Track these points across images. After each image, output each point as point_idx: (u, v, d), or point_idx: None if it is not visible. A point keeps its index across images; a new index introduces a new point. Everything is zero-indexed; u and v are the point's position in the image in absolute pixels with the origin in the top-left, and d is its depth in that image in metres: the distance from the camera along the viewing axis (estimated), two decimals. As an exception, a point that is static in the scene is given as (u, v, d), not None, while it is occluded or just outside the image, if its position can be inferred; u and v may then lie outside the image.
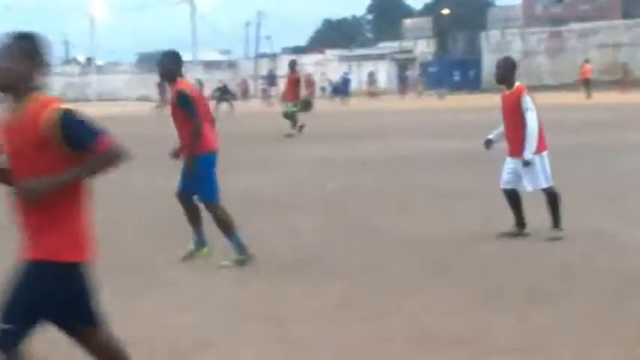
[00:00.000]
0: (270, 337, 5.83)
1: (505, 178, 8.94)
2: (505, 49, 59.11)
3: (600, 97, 43.15)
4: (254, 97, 67.99)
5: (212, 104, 21.26)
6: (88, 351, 4.08)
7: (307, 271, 7.77)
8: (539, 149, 8.72)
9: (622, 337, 5.61)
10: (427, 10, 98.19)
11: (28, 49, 3.82)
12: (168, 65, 8.07)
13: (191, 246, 8.28)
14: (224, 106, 39.75)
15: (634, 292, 6.74)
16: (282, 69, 58.55)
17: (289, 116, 24.60)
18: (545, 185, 8.80)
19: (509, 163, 8.91)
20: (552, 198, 8.82)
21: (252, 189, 13.20)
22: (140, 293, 7.07)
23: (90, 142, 3.71)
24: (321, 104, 41.94)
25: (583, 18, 71.21)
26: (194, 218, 8.24)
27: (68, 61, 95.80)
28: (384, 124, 28.77)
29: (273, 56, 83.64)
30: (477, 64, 70.28)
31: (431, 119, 31.76)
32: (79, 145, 3.72)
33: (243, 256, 7.96)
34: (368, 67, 71.71)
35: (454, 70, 71.58)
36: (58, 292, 3.81)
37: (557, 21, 73.59)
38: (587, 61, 49.64)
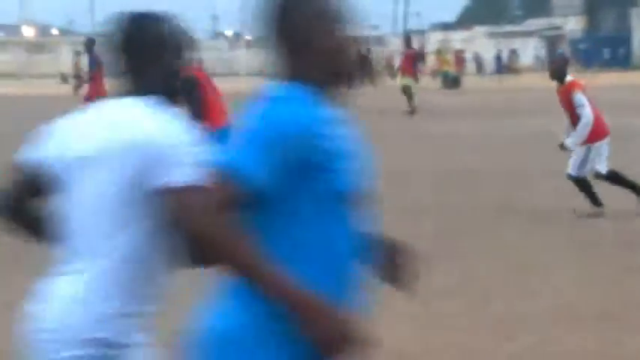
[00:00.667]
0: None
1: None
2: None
3: None
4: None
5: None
6: None
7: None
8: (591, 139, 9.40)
9: None
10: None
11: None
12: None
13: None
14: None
15: None
16: (431, 45, 59.11)
17: (406, 91, 24.39)
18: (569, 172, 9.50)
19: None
20: (579, 184, 9.47)
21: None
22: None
23: None
24: (473, 81, 41.44)
25: None
26: None
27: (216, 35, 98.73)
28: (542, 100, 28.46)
29: (421, 32, 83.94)
30: (626, 41, 68.82)
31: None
32: None
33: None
34: (516, 44, 71.14)
35: (604, 48, 70.24)
36: None
37: None
38: None
